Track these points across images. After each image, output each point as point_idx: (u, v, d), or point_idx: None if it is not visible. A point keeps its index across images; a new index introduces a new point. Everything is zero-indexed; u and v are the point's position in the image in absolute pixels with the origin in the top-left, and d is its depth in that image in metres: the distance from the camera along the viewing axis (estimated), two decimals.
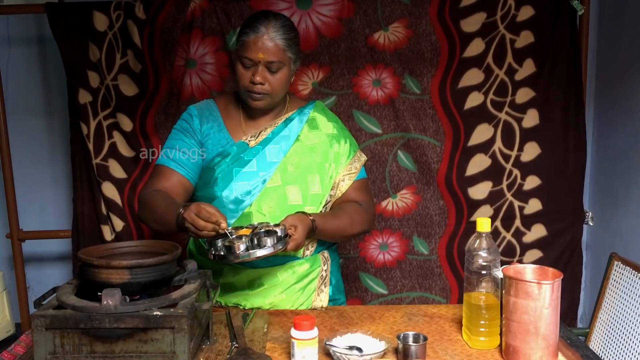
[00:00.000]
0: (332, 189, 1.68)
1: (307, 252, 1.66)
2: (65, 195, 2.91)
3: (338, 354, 1.28)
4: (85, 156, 2.51)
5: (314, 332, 1.24)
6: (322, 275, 1.68)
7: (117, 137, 2.49)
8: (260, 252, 1.38)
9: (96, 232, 2.55)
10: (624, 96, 2.54)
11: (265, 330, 1.47)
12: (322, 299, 1.67)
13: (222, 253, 1.41)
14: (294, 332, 1.24)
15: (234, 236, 1.42)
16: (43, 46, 2.83)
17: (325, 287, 1.69)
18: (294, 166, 1.63)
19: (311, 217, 1.52)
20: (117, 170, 2.50)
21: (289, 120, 1.67)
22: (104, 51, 2.41)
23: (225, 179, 1.60)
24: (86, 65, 2.42)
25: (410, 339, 1.31)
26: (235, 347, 1.34)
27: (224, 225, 1.36)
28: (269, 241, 1.39)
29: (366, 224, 1.70)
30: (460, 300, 1.49)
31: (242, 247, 1.38)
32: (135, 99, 2.44)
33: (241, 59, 1.56)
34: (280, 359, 1.32)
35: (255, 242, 1.40)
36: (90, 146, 2.47)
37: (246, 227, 1.47)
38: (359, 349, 1.30)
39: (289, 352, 1.30)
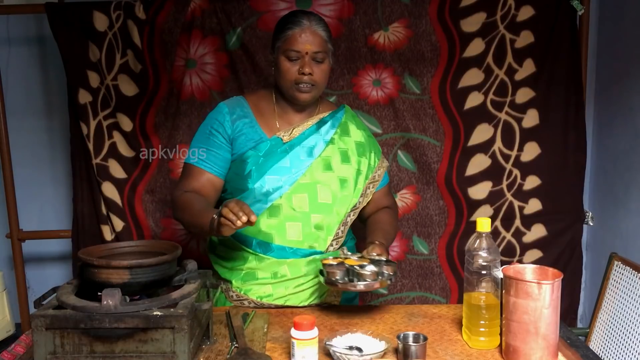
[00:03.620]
0: (360, 196, 1.74)
1: (331, 248, 1.71)
2: (65, 195, 2.91)
3: (338, 354, 1.28)
4: (85, 156, 2.51)
5: (314, 332, 1.24)
6: None
7: (117, 137, 2.48)
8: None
9: (96, 232, 2.55)
10: (624, 96, 2.54)
11: (265, 330, 1.47)
12: (336, 294, 1.71)
13: (356, 281, 1.49)
14: (294, 332, 1.24)
15: (369, 267, 1.50)
16: (43, 46, 2.83)
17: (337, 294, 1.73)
18: (325, 167, 1.68)
19: (383, 243, 1.65)
20: (117, 170, 2.50)
21: (322, 122, 1.72)
22: (104, 51, 2.40)
23: (259, 171, 1.64)
24: (86, 65, 2.42)
25: (410, 339, 1.31)
26: (235, 347, 1.34)
27: (253, 218, 1.36)
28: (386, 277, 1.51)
29: (397, 226, 1.83)
30: (460, 300, 1.49)
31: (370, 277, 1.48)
32: (135, 99, 2.44)
33: (287, 52, 1.61)
34: (280, 359, 1.32)
35: (384, 274, 1.51)
36: (90, 146, 2.47)
37: (355, 257, 1.56)
38: (359, 349, 1.30)
39: (289, 352, 1.30)
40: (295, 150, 1.67)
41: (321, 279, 1.55)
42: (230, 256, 1.70)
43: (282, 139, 1.67)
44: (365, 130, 1.82)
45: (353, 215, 1.76)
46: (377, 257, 1.55)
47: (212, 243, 1.80)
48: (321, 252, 1.69)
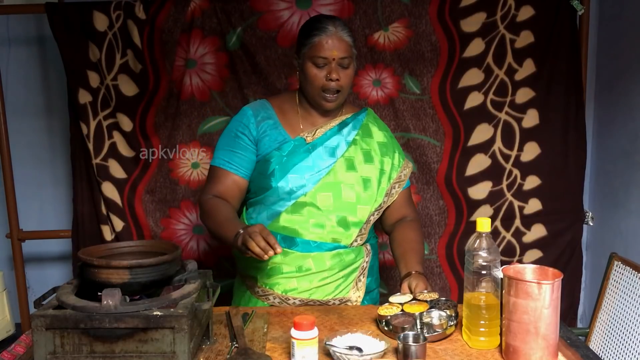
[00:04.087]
0: (385, 196, 1.76)
1: (355, 244, 1.73)
2: (65, 195, 2.91)
3: (338, 354, 1.28)
4: (85, 156, 2.51)
5: (314, 332, 1.24)
6: (362, 267, 1.75)
7: (117, 137, 2.49)
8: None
9: (96, 232, 2.55)
10: (624, 96, 2.54)
11: (265, 330, 1.47)
12: (359, 288, 1.74)
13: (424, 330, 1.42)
14: (294, 332, 1.24)
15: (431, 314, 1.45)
16: (43, 46, 2.83)
17: (363, 277, 1.75)
18: (348, 167, 1.71)
19: (422, 272, 1.65)
20: (117, 170, 2.50)
21: (344, 124, 1.75)
22: (104, 51, 2.41)
23: (282, 170, 1.66)
24: (86, 65, 2.42)
25: (410, 339, 1.31)
26: (235, 347, 1.34)
27: (279, 250, 1.41)
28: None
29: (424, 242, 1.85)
30: (460, 300, 1.49)
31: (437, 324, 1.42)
32: (135, 99, 2.44)
33: (314, 59, 1.63)
34: (280, 359, 1.32)
35: (450, 316, 1.45)
36: (90, 146, 2.47)
37: (408, 299, 1.53)
38: (359, 349, 1.30)
39: (289, 352, 1.30)
40: (317, 150, 1.69)
41: (383, 327, 1.46)
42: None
43: (305, 139, 1.70)
44: (388, 132, 1.84)
45: (377, 215, 1.78)
46: (431, 298, 1.52)
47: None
48: (345, 247, 1.71)
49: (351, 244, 1.72)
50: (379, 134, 1.79)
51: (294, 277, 1.68)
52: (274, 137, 1.70)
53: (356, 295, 1.73)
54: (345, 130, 1.74)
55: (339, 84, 1.64)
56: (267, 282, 1.71)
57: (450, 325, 1.43)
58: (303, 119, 1.74)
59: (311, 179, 1.67)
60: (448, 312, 1.46)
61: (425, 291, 1.55)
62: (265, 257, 1.41)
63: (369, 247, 1.79)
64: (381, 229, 1.89)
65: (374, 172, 1.74)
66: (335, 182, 1.69)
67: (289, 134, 1.71)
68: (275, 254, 1.41)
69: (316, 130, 1.72)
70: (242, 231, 1.47)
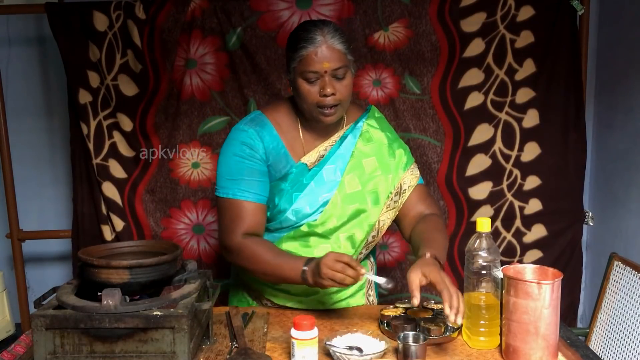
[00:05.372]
0: (396, 195, 1.65)
1: (361, 256, 1.67)
2: (65, 195, 2.91)
3: (338, 354, 1.28)
4: (85, 156, 2.51)
5: (314, 332, 1.24)
6: (368, 281, 1.72)
7: (117, 137, 2.49)
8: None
9: (96, 232, 2.55)
10: (624, 96, 2.54)
11: (265, 330, 1.47)
12: (370, 302, 1.74)
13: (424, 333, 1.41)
14: (294, 332, 1.24)
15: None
16: (43, 46, 2.83)
17: (372, 291, 1.74)
18: (352, 185, 1.60)
19: (438, 260, 1.46)
20: (117, 170, 2.50)
21: (343, 137, 1.62)
22: (104, 51, 2.40)
23: (286, 202, 1.57)
24: (86, 65, 2.42)
25: (410, 339, 1.31)
26: (235, 347, 1.35)
27: (363, 270, 1.38)
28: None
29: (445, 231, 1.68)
30: None
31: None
32: (135, 99, 2.44)
33: (304, 74, 1.47)
34: (280, 359, 1.32)
35: (448, 327, 1.43)
36: (90, 146, 2.47)
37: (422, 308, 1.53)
38: (359, 349, 1.30)
39: (289, 352, 1.30)
40: (319, 175, 1.58)
41: (384, 327, 1.46)
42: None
43: (307, 165, 1.58)
44: (391, 132, 1.72)
45: (387, 221, 1.67)
46: (438, 308, 1.52)
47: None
48: None
49: (357, 258, 1.65)
50: (380, 136, 1.66)
51: (303, 299, 1.64)
52: (280, 165, 1.57)
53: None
54: (345, 146, 1.61)
55: (335, 98, 1.48)
56: (275, 300, 1.67)
57: (447, 335, 1.41)
58: (304, 137, 1.60)
59: (315, 209, 1.57)
60: (450, 324, 1.45)
61: (433, 301, 1.55)
62: (347, 280, 1.37)
63: (372, 259, 1.76)
64: (401, 236, 1.76)
65: (378, 180, 1.62)
66: (339, 203, 1.57)
67: (292, 157, 1.58)
68: (361, 275, 1.37)
69: (318, 151, 1.59)
70: (306, 268, 1.42)
